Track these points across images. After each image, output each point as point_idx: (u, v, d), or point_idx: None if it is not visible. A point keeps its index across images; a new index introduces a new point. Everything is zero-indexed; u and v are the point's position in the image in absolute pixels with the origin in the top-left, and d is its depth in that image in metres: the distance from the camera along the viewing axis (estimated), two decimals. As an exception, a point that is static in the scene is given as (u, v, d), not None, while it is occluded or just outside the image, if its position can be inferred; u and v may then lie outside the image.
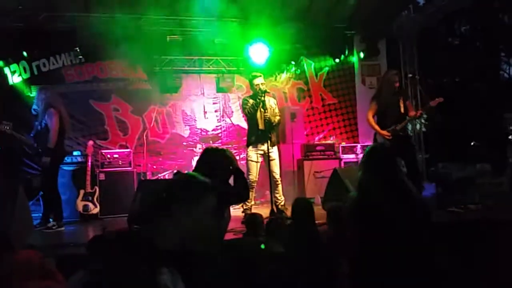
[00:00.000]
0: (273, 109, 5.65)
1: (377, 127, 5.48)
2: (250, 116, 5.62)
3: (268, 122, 5.52)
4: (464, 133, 12.73)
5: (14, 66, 7.73)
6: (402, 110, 5.41)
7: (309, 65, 9.25)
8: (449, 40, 15.54)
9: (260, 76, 5.66)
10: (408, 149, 5.56)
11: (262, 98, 5.50)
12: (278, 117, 5.71)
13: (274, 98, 5.98)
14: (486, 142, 13.53)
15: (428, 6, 9.24)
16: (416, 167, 5.69)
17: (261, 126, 5.56)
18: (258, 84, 5.55)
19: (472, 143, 14.71)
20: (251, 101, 5.59)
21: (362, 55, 9.06)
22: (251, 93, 5.85)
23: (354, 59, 9.35)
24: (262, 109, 5.53)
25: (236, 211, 6.19)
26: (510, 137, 10.32)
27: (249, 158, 5.60)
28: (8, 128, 5.60)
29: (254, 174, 5.58)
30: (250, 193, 5.64)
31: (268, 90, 5.64)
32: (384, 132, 5.38)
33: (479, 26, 15.08)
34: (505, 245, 3.67)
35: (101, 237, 3.16)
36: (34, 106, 5.93)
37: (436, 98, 5.29)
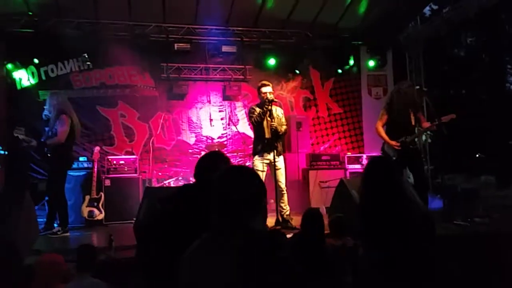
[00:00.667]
0: (280, 119, 5.66)
1: (386, 137, 5.44)
2: (256, 125, 5.62)
3: (274, 131, 5.52)
4: (469, 145, 12.72)
5: (22, 72, 7.77)
6: (413, 122, 5.37)
7: (316, 75, 9.27)
8: (455, 51, 15.57)
9: (269, 85, 5.67)
10: (417, 161, 5.53)
11: (269, 107, 5.51)
12: (284, 127, 5.71)
13: (281, 107, 5.98)
14: (491, 154, 13.52)
15: (434, 17, 9.29)
16: (424, 180, 5.65)
17: (267, 135, 5.56)
18: (266, 93, 5.56)
19: (477, 155, 14.72)
20: (258, 109, 5.60)
21: (372, 63, 9.07)
22: (258, 101, 5.86)
23: (360, 69, 9.38)
24: (268, 118, 5.54)
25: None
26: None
27: (255, 167, 5.59)
28: (21, 133, 5.63)
29: None
30: None
31: (275, 100, 5.64)
32: (394, 143, 5.34)
33: (485, 37, 15.10)
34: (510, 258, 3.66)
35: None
36: (45, 112, 5.95)
37: (448, 113, 5.21)
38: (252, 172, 1.83)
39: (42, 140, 5.85)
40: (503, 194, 8.98)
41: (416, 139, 5.60)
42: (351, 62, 9.15)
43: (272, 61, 8.61)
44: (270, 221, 5.55)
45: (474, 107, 12.85)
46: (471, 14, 8.10)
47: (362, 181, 2.69)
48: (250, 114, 5.70)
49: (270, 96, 5.54)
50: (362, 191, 2.70)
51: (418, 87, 9.01)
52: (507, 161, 11.08)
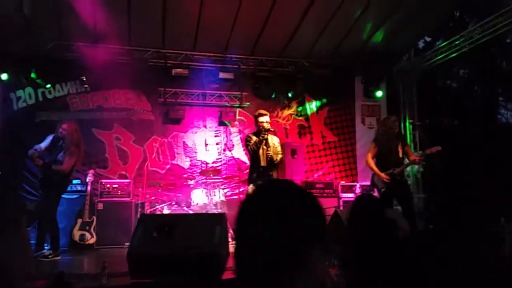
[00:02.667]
0: (276, 147, 5.71)
1: (376, 169, 5.57)
2: (252, 153, 5.66)
3: (270, 160, 5.57)
4: (461, 176, 12.78)
5: (20, 92, 7.82)
6: (400, 154, 5.52)
7: (311, 103, 9.38)
8: (447, 82, 15.81)
9: (266, 114, 5.75)
10: (405, 193, 5.65)
11: (266, 136, 5.57)
12: (280, 155, 5.76)
13: (276, 136, 6.04)
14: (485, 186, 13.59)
15: (428, 50, 9.51)
16: (412, 211, 5.74)
17: (263, 163, 5.60)
18: (263, 122, 5.63)
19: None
20: (254, 138, 5.66)
21: (380, 93, 9.24)
22: (253, 128, 5.92)
23: (355, 99, 9.53)
24: (264, 147, 5.59)
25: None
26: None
27: None
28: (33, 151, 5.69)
29: None
30: None
31: (271, 129, 5.71)
32: (383, 175, 5.46)
33: (477, 70, 15.37)
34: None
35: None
36: (58, 134, 5.89)
37: (434, 146, 5.41)
38: None
39: (47, 161, 5.80)
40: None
41: (404, 171, 5.73)
42: (346, 92, 9.28)
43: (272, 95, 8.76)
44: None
45: (466, 139, 12.99)
46: (464, 48, 8.31)
47: (349, 221, 2.72)
48: (246, 143, 5.75)
49: (267, 126, 5.61)
50: (349, 229, 2.72)
51: (411, 121, 9.19)
52: (497, 192, 11.14)
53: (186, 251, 4.01)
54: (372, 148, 5.73)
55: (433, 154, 5.41)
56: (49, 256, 5.60)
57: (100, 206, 6.90)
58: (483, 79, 15.01)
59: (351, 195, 8.10)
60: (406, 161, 5.76)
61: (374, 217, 2.61)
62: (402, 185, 5.58)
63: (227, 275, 4.34)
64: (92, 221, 6.67)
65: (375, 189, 5.74)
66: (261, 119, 5.67)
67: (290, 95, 8.97)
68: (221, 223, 4.36)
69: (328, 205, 7.55)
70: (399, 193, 5.57)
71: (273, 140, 5.74)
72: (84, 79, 7.86)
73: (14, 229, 3.79)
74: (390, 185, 5.48)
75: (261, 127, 5.62)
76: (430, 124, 12.95)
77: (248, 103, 8.89)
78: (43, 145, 5.91)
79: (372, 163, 5.66)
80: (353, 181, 8.88)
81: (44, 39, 7.64)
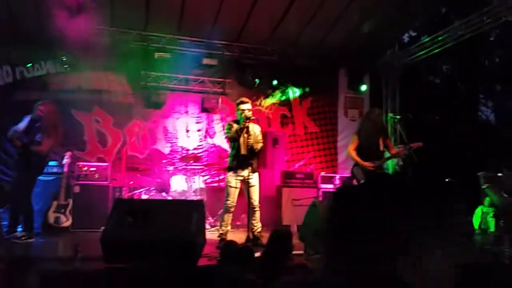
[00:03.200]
0: (257, 136, 5.66)
1: (359, 159, 5.58)
2: (232, 141, 5.62)
3: (250, 149, 5.53)
4: (440, 170, 12.96)
5: (-4, 69, 7.60)
6: (381, 148, 5.55)
7: (294, 93, 9.35)
8: (430, 78, 15.96)
9: (248, 102, 5.68)
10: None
11: (247, 124, 5.52)
12: (261, 144, 5.72)
13: (258, 124, 6.00)
14: (461, 181, 13.81)
15: (412, 45, 9.55)
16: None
17: (243, 152, 5.55)
18: (244, 110, 5.56)
19: (446, 180, 15.00)
20: (235, 125, 5.60)
21: (364, 87, 9.27)
22: (235, 116, 5.86)
23: (338, 90, 9.55)
24: (245, 135, 5.54)
25: (211, 234, 6.16)
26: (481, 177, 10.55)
27: (228, 184, 5.58)
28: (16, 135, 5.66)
29: (232, 199, 5.57)
30: (227, 217, 5.62)
31: (253, 117, 5.66)
32: (367, 163, 5.46)
33: (460, 67, 15.54)
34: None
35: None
36: (35, 116, 5.76)
37: (414, 141, 5.46)
38: None
39: (25, 142, 5.68)
40: (470, 220, 9.18)
41: (383, 164, 5.78)
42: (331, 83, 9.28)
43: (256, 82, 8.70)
44: (241, 237, 5.53)
45: (447, 134, 13.16)
46: (447, 44, 8.36)
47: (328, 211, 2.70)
48: (226, 130, 5.69)
49: (248, 114, 5.55)
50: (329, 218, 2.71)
51: (391, 114, 9.25)
52: (477, 188, 11.34)
53: (162, 238, 3.97)
54: (354, 140, 5.74)
55: (413, 149, 5.45)
56: (22, 238, 5.50)
57: (77, 189, 6.79)
58: (466, 76, 15.20)
59: (330, 186, 8.14)
60: (387, 154, 5.80)
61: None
62: (378, 176, 5.61)
63: (202, 261, 4.33)
64: (68, 204, 6.56)
65: (354, 180, 5.76)
66: (242, 106, 5.61)
67: (274, 83, 8.90)
68: (198, 210, 4.33)
69: (308, 196, 7.61)
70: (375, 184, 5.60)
71: (254, 129, 5.69)
72: (64, 59, 7.68)
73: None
74: (369, 177, 5.51)
75: (242, 115, 5.56)
76: (411, 118, 13.09)
77: (230, 91, 8.81)
78: (21, 126, 5.76)
79: (354, 154, 5.67)
80: (333, 172, 8.93)
81: (24, 16, 7.41)
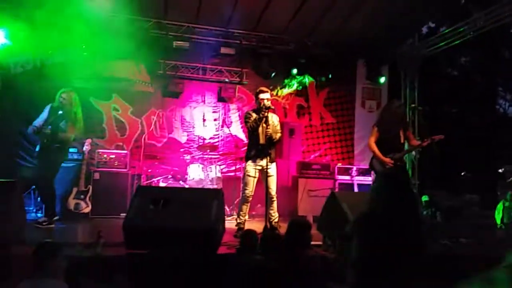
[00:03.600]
0: (275, 126, 5.66)
1: (379, 153, 5.45)
2: (251, 130, 5.61)
3: (269, 138, 5.53)
4: (455, 163, 12.87)
5: (17, 57, 7.66)
6: (402, 140, 5.44)
7: (311, 83, 9.31)
8: (448, 70, 15.76)
9: (267, 92, 5.67)
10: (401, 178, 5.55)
11: (266, 113, 5.51)
12: (279, 134, 5.72)
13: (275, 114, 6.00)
14: (477, 173, 13.69)
15: (431, 36, 9.42)
16: (414, 202, 5.67)
17: (262, 141, 5.55)
18: (263, 99, 5.55)
19: (462, 173, 14.88)
20: (254, 115, 5.60)
21: (383, 79, 9.19)
22: (252, 105, 5.84)
23: (356, 81, 9.48)
24: (264, 125, 5.54)
25: (228, 223, 6.20)
26: (500, 170, 10.44)
27: (247, 173, 5.60)
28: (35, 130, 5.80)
29: (250, 189, 5.59)
30: (245, 207, 5.64)
31: (272, 107, 5.65)
32: (387, 160, 5.36)
33: (479, 58, 15.32)
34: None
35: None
36: (58, 103, 5.89)
37: (432, 133, 5.33)
38: None
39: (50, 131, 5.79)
40: (486, 214, 9.12)
41: (404, 157, 5.64)
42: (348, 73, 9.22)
43: (272, 74, 8.68)
44: (258, 226, 5.56)
45: (464, 126, 13.03)
46: (468, 35, 8.24)
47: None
48: (245, 119, 5.68)
49: (268, 103, 5.54)
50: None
51: (413, 105, 9.12)
52: (492, 181, 11.24)
53: (183, 225, 4.02)
54: (374, 132, 5.61)
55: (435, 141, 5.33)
56: (43, 224, 5.61)
57: (97, 175, 6.88)
58: (484, 69, 14.98)
59: (347, 177, 8.12)
60: (407, 146, 5.68)
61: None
62: (401, 170, 5.52)
63: (221, 250, 4.38)
64: (88, 190, 6.65)
65: (374, 173, 5.67)
66: (262, 96, 5.59)
67: (294, 72, 8.85)
68: (218, 198, 4.36)
69: (324, 186, 7.61)
70: (396, 177, 5.51)
71: (273, 118, 5.69)
72: (84, 47, 7.73)
73: (8, 194, 3.78)
74: (391, 170, 5.39)
75: (261, 104, 5.55)
76: (428, 110, 12.95)
77: (247, 81, 8.81)
78: (41, 119, 5.88)
79: (374, 147, 5.53)
80: (349, 164, 8.91)
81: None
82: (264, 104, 5.53)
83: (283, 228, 5.40)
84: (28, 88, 7.60)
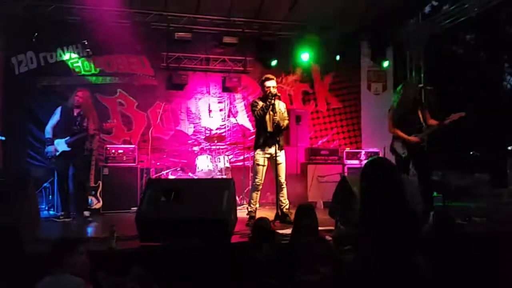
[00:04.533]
0: (282, 113, 5.63)
1: (404, 134, 5.39)
2: (259, 119, 5.57)
3: (277, 125, 5.50)
4: (464, 142, 12.78)
5: (21, 56, 7.68)
6: (421, 119, 5.38)
7: (316, 68, 9.25)
8: (453, 48, 15.57)
9: (273, 79, 5.63)
10: (424, 159, 5.48)
11: (273, 101, 5.48)
12: (287, 121, 5.69)
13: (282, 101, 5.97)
14: (486, 152, 13.60)
15: (435, 14, 9.30)
16: (430, 179, 5.64)
17: (269, 129, 5.52)
18: (270, 87, 5.52)
19: (471, 152, 14.80)
20: (261, 103, 5.57)
21: (387, 63, 9.15)
22: (257, 93, 5.80)
23: (360, 64, 9.40)
24: (271, 112, 5.51)
25: (239, 212, 6.21)
26: (509, 148, 10.35)
27: (256, 162, 5.59)
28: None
29: (260, 177, 5.58)
30: (256, 195, 5.64)
31: (278, 94, 5.61)
32: (413, 138, 5.31)
33: (484, 35, 15.11)
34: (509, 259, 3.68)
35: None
36: (75, 102, 5.98)
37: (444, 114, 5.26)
38: None
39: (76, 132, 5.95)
40: (497, 192, 9.08)
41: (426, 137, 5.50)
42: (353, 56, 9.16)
43: (273, 62, 8.61)
44: (269, 214, 5.56)
45: (471, 105, 12.90)
46: (472, 12, 8.12)
47: (361, 181, 2.66)
48: (252, 108, 5.65)
49: (274, 90, 5.50)
50: (362, 190, 2.67)
51: (420, 85, 9.03)
52: (502, 159, 11.16)
53: (195, 216, 4.02)
54: (391, 115, 5.56)
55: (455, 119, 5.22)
56: (61, 217, 5.82)
57: (106, 171, 6.90)
58: (490, 45, 14.79)
59: (356, 161, 8.08)
60: (425, 126, 5.57)
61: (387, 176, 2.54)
62: (423, 151, 5.45)
63: (234, 239, 4.38)
64: (98, 186, 6.69)
65: (395, 156, 5.60)
66: (268, 83, 5.56)
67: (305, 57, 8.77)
68: (229, 188, 4.36)
69: (333, 172, 7.59)
70: (419, 159, 5.43)
71: (280, 106, 5.65)
72: (86, 43, 7.72)
73: (22, 192, 3.80)
74: (411, 150, 5.34)
75: (267, 92, 5.51)
76: (435, 90, 12.82)
77: (251, 69, 8.76)
78: (50, 126, 5.97)
79: (398, 131, 5.48)
80: (357, 148, 8.87)
81: (45, 1, 7.45)
82: (270, 92, 5.50)
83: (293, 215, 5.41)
84: (32, 86, 7.65)
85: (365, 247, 2.42)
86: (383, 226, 2.28)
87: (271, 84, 5.54)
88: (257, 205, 5.76)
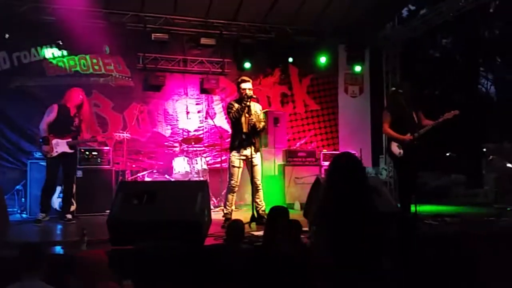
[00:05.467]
0: (258, 115, 5.62)
1: (397, 135, 5.39)
2: (234, 121, 5.56)
3: (252, 127, 5.49)
4: (440, 144, 12.96)
5: (-6, 56, 7.51)
6: (416, 119, 5.38)
7: (294, 71, 9.28)
8: (430, 52, 15.83)
9: (249, 81, 5.62)
10: (418, 159, 5.50)
11: (248, 103, 5.47)
12: (263, 123, 5.67)
13: (258, 103, 5.96)
14: (461, 153, 13.85)
15: (411, 18, 9.43)
16: (415, 180, 5.67)
17: (245, 130, 5.52)
18: (245, 89, 5.51)
19: (447, 154, 15.06)
20: (236, 105, 5.55)
21: (359, 68, 9.28)
22: (235, 95, 5.79)
23: (338, 67, 9.47)
24: (247, 114, 5.50)
25: (215, 214, 6.17)
26: (484, 149, 10.54)
27: (231, 164, 5.56)
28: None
29: (235, 179, 5.56)
30: (231, 197, 5.62)
31: (254, 96, 5.61)
32: (407, 136, 5.30)
33: (460, 39, 15.41)
34: (477, 258, 3.74)
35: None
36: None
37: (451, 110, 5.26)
38: None
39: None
40: (472, 192, 9.24)
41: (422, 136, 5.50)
42: (329, 60, 9.22)
43: (247, 65, 8.60)
44: (245, 216, 5.54)
45: (447, 108, 13.10)
46: (448, 16, 8.25)
47: (326, 178, 2.66)
48: (228, 110, 5.63)
49: (249, 92, 5.49)
50: (325, 188, 2.64)
51: (393, 88, 9.11)
52: (477, 160, 11.37)
53: (167, 218, 3.98)
54: (386, 117, 5.56)
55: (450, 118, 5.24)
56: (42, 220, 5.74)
57: (80, 173, 6.76)
58: (466, 49, 15.07)
59: (333, 163, 8.11)
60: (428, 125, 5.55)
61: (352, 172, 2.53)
62: (418, 150, 5.44)
63: (209, 241, 4.35)
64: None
65: (392, 159, 5.60)
66: (243, 85, 5.54)
67: (290, 60, 8.81)
68: (203, 190, 4.32)
69: (310, 173, 7.61)
70: (413, 159, 5.45)
71: (255, 108, 5.64)
72: (61, 43, 7.58)
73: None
74: (407, 150, 5.33)
75: (243, 94, 5.51)
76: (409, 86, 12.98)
77: (229, 71, 8.75)
78: (45, 123, 5.81)
79: (390, 130, 5.48)
80: (334, 150, 8.93)
81: (19, 1, 7.31)
82: (246, 94, 5.49)
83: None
84: (5, 87, 7.48)
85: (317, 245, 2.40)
86: (337, 224, 2.25)
87: (247, 86, 5.53)
88: (233, 207, 5.73)
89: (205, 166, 7.68)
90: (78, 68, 7.98)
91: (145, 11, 7.96)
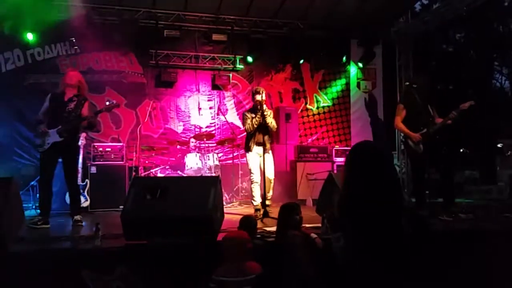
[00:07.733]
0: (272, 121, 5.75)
1: (407, 130, 5.30)
2: (249, 132, 5.75)
3: (265, 129, 5.66)
4: (454, 140, 12.84)
5: (8, 53, 7.61)
6: (432, 113, 5.28)
7: (306, 66, 9.25)
8: (443, 47, 15.65)
9: (262, 93, 5.70)
10: (440, 154, 5.45)
11: (263, 110, 5.60)
12: (275, 126, 5.84)
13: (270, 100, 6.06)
14: (475, 149, 13.70)
15: (424, 13, 9.32)
16: (450, 174, 5.61)
17: (259, 134, 5.71)
18: (259, 101, 5.62)
19: (461, 150, 14.90)
20: (250, 115, 5.69)
21: (361, 65, 9.19)
22: (246, 91, 5.80)
23: (350, 62, 9.41)
24: (263, 122, 5.62)
25: (227, 209, 6.20)
26: (499, 145, 10.40)
27: (249, 161, 5.77)
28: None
29: (256, 173, 5.74)
30: (256, 190, 5.78)
31: (263, 99, 5.69)
32: (416, 135, 5.23)
33: (474, 34, 15.21)
34: (491, 256, 3.70)
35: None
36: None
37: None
38: None
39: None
40: (486, 188, 9.14)
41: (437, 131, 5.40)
42: (342, 55, 9.20)
43: (249, 59, 8.61)
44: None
45: (460, 103, 12.96)
46: (461, 10, 8.15)
47: (346, 167, 2.53)
48: (244, 120, 5.78)
49: (263, 103, 5.65)
50: (346, 177, 2.53)
51: (407, 83, 9.03)
52: (491, 157, 11.24)
53: (180, 214, 4.00)
54: (400, 110, 5.46)
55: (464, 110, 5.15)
56: (39, 223, 5.08)
57: (94, 169, 6.83)
58: (480, 44, 14.87)
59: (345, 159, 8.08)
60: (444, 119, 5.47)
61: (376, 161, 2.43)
62: (439, 145, 5.34)
63: (221, 237, 4.36)
64: (86, 184, 6.63)
65: (408, 152, 5.56)
66: (258, 97, 5.65)
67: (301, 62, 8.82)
68: (215, 186, 4.33)
69: (322, 169, 7.59)
70: (435, 154, 5.33)
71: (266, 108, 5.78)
72: (74, 40, 7.64)
73: (4, 191, 3.74)
74: (427, 145, 5.23)
75: (257, 104, 5.62)
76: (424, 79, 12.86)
77: (241, 66, 8.75)
78: (40, 114, 5.25)
79: (403, 126, 5.38)
80: (347, 146, 8.90)
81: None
82: (260, 103, 5.61)
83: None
84: (19, 84, 7.57)
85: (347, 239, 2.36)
86: (362, 215, 2.21)
87: (260, 98, 5.65)
88: (260, 200, 5.77)
89: (217, 162, 7.70)
90: (91, 65, 8.04)
91: (157, 8, 8.00)
